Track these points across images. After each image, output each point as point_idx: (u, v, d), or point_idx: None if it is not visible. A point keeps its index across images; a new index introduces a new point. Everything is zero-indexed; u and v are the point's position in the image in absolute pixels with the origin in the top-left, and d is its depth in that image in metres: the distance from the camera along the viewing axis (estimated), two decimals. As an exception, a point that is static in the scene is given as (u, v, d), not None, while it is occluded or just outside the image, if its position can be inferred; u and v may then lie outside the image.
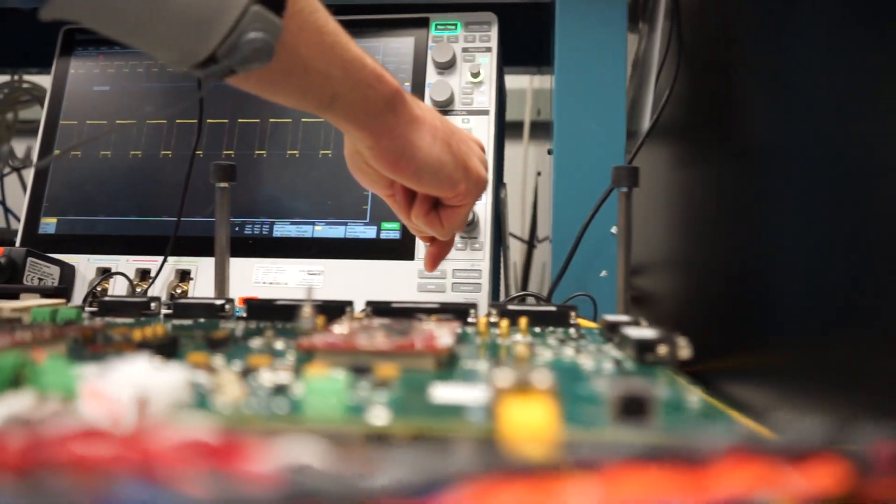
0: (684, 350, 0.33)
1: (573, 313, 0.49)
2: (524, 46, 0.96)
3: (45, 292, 0.55)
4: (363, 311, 0.49)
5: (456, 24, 0.77)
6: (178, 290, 0.73)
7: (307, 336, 0.36)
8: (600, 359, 0.35)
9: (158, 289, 0.73)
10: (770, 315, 0.52)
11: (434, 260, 0.62)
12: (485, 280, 0.70)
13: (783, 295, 0.50)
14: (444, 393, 0.25)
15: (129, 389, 0.20)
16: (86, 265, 0.75)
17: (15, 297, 0.57)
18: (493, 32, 0.77)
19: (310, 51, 0.44)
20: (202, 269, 0.73)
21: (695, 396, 0.26)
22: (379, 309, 0.49)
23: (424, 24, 0.78)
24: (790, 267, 0.48)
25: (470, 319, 0.48)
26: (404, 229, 0.72)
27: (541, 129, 1.18)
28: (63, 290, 0.56)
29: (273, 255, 0.73)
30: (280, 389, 0.25)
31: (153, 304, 0.52)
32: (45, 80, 1.19)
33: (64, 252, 0.75)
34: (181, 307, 0.50)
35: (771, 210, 0.51)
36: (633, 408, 0.21)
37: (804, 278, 0.46)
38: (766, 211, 0.52)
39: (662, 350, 0.33)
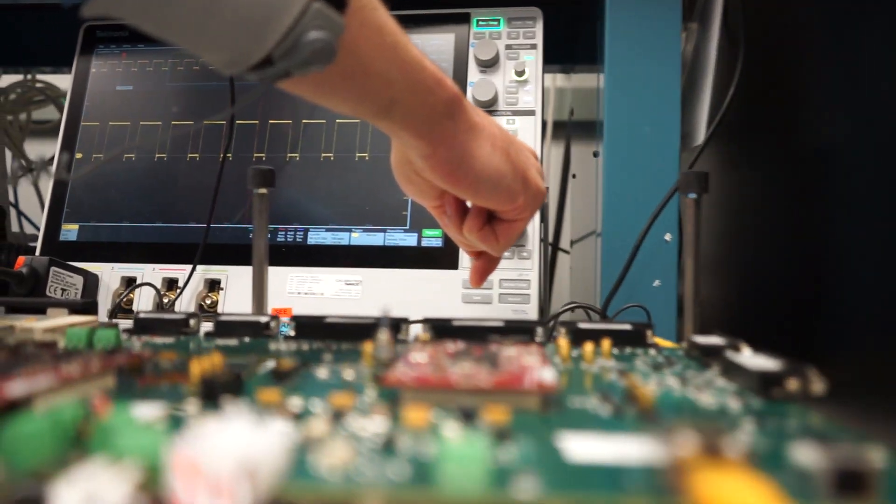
0: (817, 384, 0.29)
1: (650, 332, 0.45)
2: (552, 44, 0.92)
3: (74, 307, 0.51)
4: (423, 328, 0.45)
5: (499, 20, 0.73)
6: (208, 301, 0.69)
7: (383, 364, 0.32)
8: (717, 394, 0.31)
9: (187, 299, 0.69)
10: (839, 327, 0.48)
11: (481, 275, 0.58)
12: (533, 291, 0.66)
13: (854, 306, 0.46)
14: (580, 448, 0.21)
15: (231, 462, 0.16)
16: (110, 274, 0.71)
17: (42, 311, 0.53)
18: (538, 28, 0.73)
19: (370, 51, 0.40)
20: (233, 279, 0.69)
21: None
22: (439, 327, 0.45)
23: (465, 19, 0.74)
24: (861, 275, 0.44)
25: (537, 338, 0.44)
26: (447, 237, 0.68)
27: (560, 130, 1.14)
28: (92, 304, 0.53)
29: (307, 264, 0.69)
30: (388, 446, 0.21)
31: (192, 321, 0.48)
32: (59, 80, 1.15)
33: (86, 260, 0.71)
34: (223, 326, 0.47)
35: (839, 214, 0.47)
36: (849, 483, 0.17)
37: (877, 287, 0.42)
38: (834, 215, 0.48)
39: (793, 385, 0.29)
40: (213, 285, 0.70)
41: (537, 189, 0.51)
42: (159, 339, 0.45)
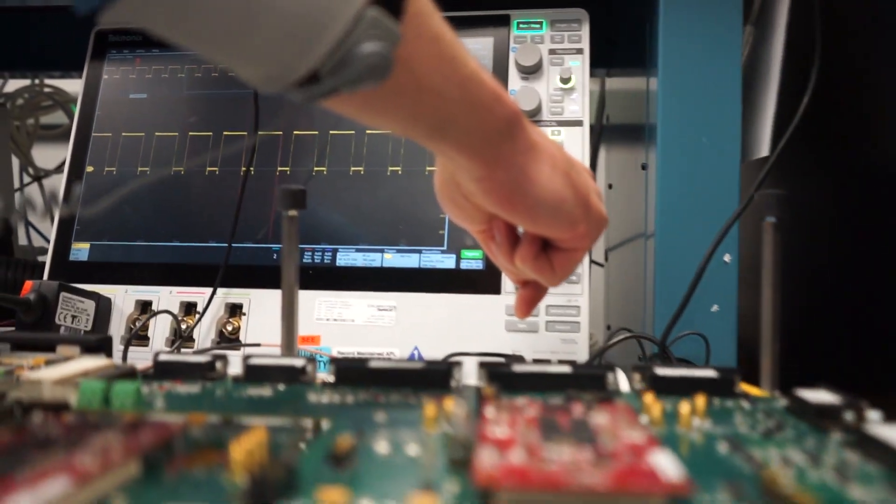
0: None
1: (736, 377, 0.40)
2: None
3: (87, 344, 0.46)
4: (479, 374, 0.40)
5: (541, 23, 0.68)
6: (230, 328, 0.64)
7: (460, 443, 0.27)
8: (867, 483, 0.25)
9: (206, 325, 0.64)
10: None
11: (529, 305, 0.52)
12: (584, 318, 0.61)
13: None
14: None
15: None
16: (123, 297, 0.66)
17: (51, 348, 0.48)
18: (585, 32, 0.67)
19: (426, 65, 0.35)
20: (255, 303, 0.64)
21: None
22: (497, 374, 0.40)
23: (505, 21, 0.69)
24: None
25: (612, 386, 0.39)
26: (488, 258, 0.62)
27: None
28: (105, 340, 0.48)
29: (337, 288, 0.64)
30: None
31: (218, 364, 0.43)
32: (67, 84, 1.11)
33: (98, 282, 0.66)
34: (254, 371, 0.41)
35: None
36: None
37: None
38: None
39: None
40: (235, 310, 0.65)
41: (599, 215, 0.46)
42: (183, 389, 0.40)
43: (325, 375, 0.42)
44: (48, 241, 0.72)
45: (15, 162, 1.06)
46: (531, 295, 0.52)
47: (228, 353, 0.47)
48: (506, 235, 0.47)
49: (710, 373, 0.40)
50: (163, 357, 0.43)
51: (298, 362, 0.42)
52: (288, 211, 0.51)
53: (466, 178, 0.42)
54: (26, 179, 1.12)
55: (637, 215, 0.75)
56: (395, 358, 0.41)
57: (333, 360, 0.42)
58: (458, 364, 0.41)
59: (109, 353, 0.48)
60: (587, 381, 0.39)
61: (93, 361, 0.41)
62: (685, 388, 0.39)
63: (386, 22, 0.31)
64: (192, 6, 0.28)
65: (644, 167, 0.71)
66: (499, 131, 0.40)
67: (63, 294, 0.59)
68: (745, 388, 0.41)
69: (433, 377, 0.40)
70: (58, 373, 0.37)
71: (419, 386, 0.40)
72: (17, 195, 1.06)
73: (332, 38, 0.30)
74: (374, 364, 0.41)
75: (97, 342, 0.48)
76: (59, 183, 0.73)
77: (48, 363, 0.44)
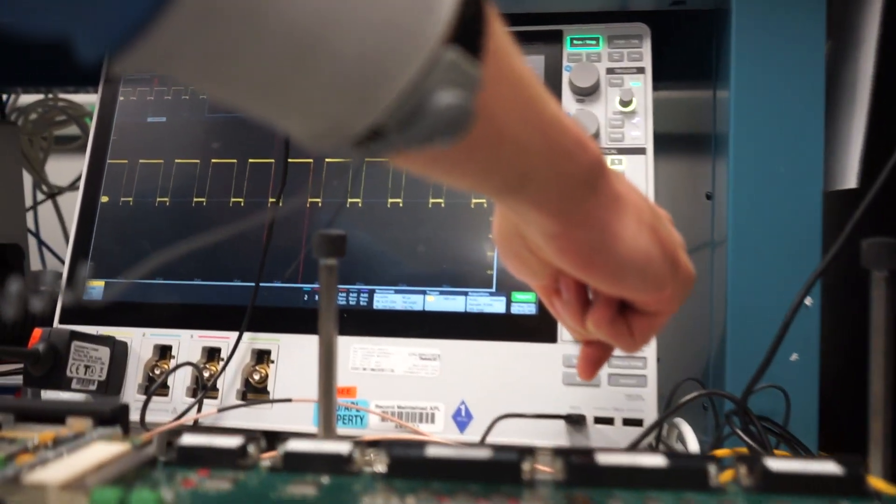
0: None
1: (864, 472, 0.34)
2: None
3: (100, 417, 0.40)
4: (553, 460, 0.34)
5: (597, 39, 0.61)
6: (256, 377, 0.58)
7: None
8: None
9: (231, 373, 0.59)
10: None
11: (595, 366, 0.46)
12: (651, 372, 0.54)
13: None
14: None
15: None
16: (140, 341, 0.60)
17: (60, 420, 0.43)
18: (646, 48, 0.61)
19: (507, 111, 0.29)
20: (285, 349, 0.59)
21: None
22: (577, 467, 0.34)
23: (556, 37, 0.62)
24: None
25: (714, 482, 0.33)
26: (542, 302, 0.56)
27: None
28: (121, 410, 0.43)
29: (374, 333, 0.58)
30: None
31: (251, 448, 0.37)
32: (82, 99, 1.06)
33: (113, 324, 0.61)
34: (293, 458, 0.36)
35: None
36: None
37: None
38: None
39: None
40: (263, 356, 0.59)
41: (688, 274, 0.40)
42: (212, 486, 0.34)
43: (373, 454, 0.36)
44: (62, 262, 0.67)
45: (27, 178, 1.01)
46: (597, 355, 0.46)
47: (259, 424, 0.42)
48: (576, 295, 0.41)
49: (832, 467, 0.34)
50: (186, 440, 0.37)
51: (343, 448, 0.36)
52: (326, 259, 0.45)
53: (536, 233, 0.36)
54: (40, 197, 1.07)
55: (688, 237, 0.68)
56: (456, 443, 0.35)
57: (384, 444, 0.36)
58: (531, 452, 0.35)
59: (126, 426, 0.42)
60: (686, 475, 0.33)
61: (107, 448, 0.35)
62: (803, 485, 0.33)
63: (465, 65, 0.25)
64: (232, 51, 0.22)
65: (709, 197, 0.64)
66: (580, 182, 0.34)
67: (75, 343, 0.54)
68: (876, 483, 0.35)
69: (503, 469, 0.34)
70: (66, 471, 0.32)
71: (486, 479, 0.34)
72: (28, 214, 1.02)
73: (400, 86, 0.24)
74: (432, 452, 0.35)
75: (112, 413, 0.43)
76: (73, 200, 0.68)
77: (56, 442, 0.39)
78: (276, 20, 0.21)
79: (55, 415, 0.43)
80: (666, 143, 0.64)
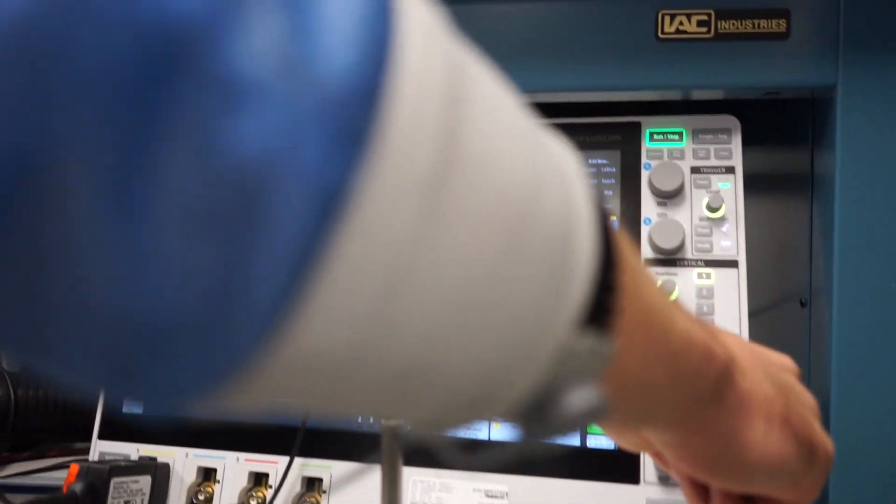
0: None
1: None
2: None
3: None
4: None
5: (680, 133, 0.55)
6: (308, 509, 0.54)
7: None
8: None
9: (281, 502, 0.54)
10: None
11: None
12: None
13: None
14: None
15: None
16: (183, 462, 0.56)
17: None
18: (736, 144, 0.55)
19: (636, 358, 0.24)
20: (338, 477, 0.54)
21: None
22: None
23: (634, 130, 0.56)
24: None
25: None
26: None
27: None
28: None
29: (435, 465, 0.53)
30: None
31: None
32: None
33: (153, 442, 0.57)
34: None
35: None
36: None
37: None
38: None
39: None
40: (313, 484, 0.54)
41: (825, 457, 0.34)
42: None
43: None
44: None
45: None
46: None
47: None
48: (693, 490, 0.35)
49: None
50: None
51: None
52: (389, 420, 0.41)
53: (652, 437, 0.31)
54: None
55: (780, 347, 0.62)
56: None
57: None
58: None
59: None
60: None
61: None
62: None
63: (599, 348, 0.20)
64: (345, 383, 0.17)
65: (803, 304, 0.58)
66: (705, 396, 0.28)
67: (114, 480, 0.50)
68: None
69: None
70: None
71: None
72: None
73: (519, 393, 0.19)
74: None
75: None
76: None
77: None
78: (377, 366, 0.16)
79: None
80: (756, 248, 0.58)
